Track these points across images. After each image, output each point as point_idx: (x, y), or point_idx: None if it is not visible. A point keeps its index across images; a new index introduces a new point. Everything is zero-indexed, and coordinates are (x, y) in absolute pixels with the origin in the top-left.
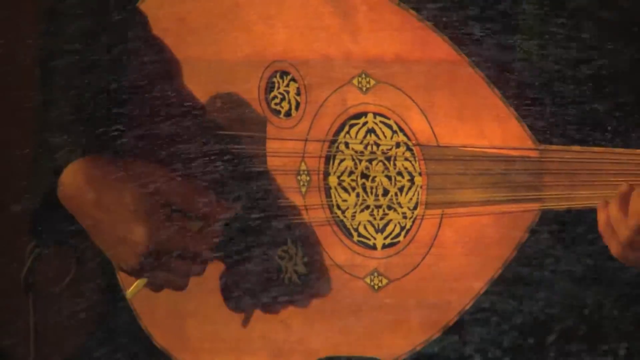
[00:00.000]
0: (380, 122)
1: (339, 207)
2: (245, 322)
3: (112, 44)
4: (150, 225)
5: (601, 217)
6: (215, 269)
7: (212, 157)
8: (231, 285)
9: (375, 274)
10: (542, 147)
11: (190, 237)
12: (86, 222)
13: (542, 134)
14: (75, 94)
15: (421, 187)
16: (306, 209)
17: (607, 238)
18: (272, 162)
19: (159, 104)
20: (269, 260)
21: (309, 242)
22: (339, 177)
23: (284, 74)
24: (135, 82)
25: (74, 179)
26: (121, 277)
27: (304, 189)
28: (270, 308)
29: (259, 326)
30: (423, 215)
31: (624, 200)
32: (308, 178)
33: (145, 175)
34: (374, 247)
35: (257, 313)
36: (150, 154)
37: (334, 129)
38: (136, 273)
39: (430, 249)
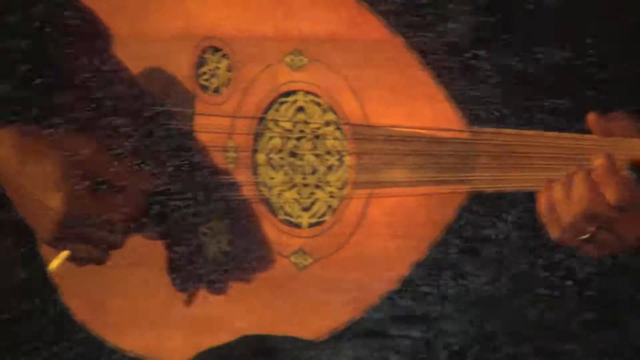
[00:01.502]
0: (311, 100)
1: (266, 185)
2: (189, 302)
3: (42, 13)
4: (68, 194)
5: (542, 199)
6: (137, 244)
7: (140, 131)
8: (176, 265)
9: (301, 253)
10: (473, 129)
11: (111, 208)
12: (9, 190)
13: (474, 116)
14: (4, 63)
15: (350, 166)
16: (232, 186)
17: (547, 220)
18: (200, 139)
19: (90, 74)
20: (194, 237)
21: (234, 220)
22: (267, 155)
23: (216, 50)
24: (65, 51)
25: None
26: (44, 252)
27: (231, 166)
28: (215, 287)
29: (180, 303)
30: (351, 195)
31: (570, 182)
32: (235, 155)
33: (70, 144)
34: (299, 226)
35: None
36: (79, 124)
37: (263, 107)
38: (55, 243)
39: (356, 229)
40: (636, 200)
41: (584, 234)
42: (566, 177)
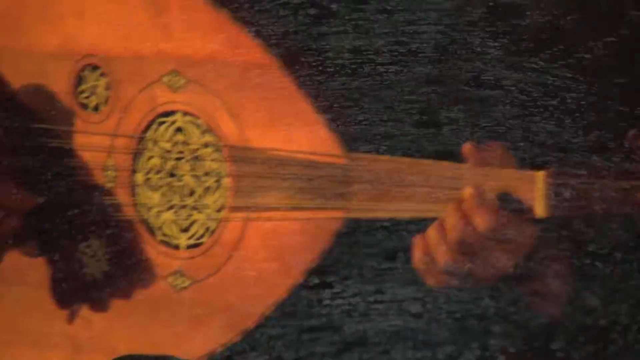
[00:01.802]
0: (190, 121)
1: (144, 205)
2: (70, 319)
3: None
4: None
5: (416, 252)
6: (16, 261)
7: (19, 148)
8: (56, 282)
9: (178, 275)
10: (350, 155)
11: None
12: None
13: (351, 142)
14: None
15: (228, 189)
16: (112, 205)
17: (423, 270)
18: (80, 157)
19: None
20: (74, 255)
21: (113, 239)
22: (145, 175)
23: (94, 68)
24: None
25: None
26: None
27: (110, 185)
28: (95, 305)
29: (60, 321)
30: (228, 218)
31: (441, 225)
32: (115, 174)
33: None
34: (177, 247)
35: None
36: None
37: (142, 126)
38: None
39: (234, 252)
40: (504, 227)
41: (461, 269)
42: (437, 222)
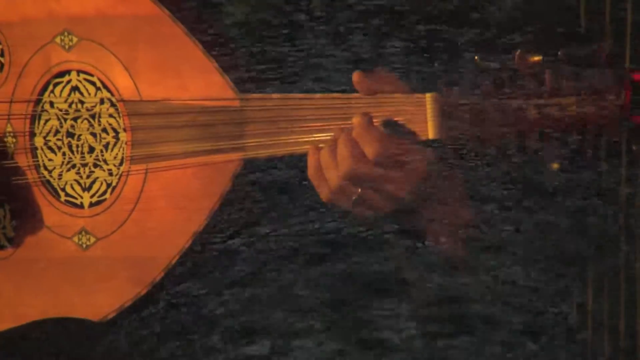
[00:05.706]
0: (84, 79)
1: (45, 168)
2: None
3: None
4: None
5: (311, 162)
6: None
7: None
8: None
9: (83, 233)
10: (243, 96)
11: None
12: None
13: (243, 84)
14: None
15: (126, 143)
16: (14, 171)
17: (317, 183)
18: None
19: None
20: None
21: (16, 205)
22: (44, 137)
23: None
24: None
25: None
26: None
27: (11, 151)
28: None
29: None
30: (129, 171)
31: (334, 146)
32: (15, 140)
33: None
34: (81, 206)
35: None
36: None
37: (38, 89)
38: None
39: (136, 204)
40: (391, 153)
41: (352, 195)
42: (332, 140)
